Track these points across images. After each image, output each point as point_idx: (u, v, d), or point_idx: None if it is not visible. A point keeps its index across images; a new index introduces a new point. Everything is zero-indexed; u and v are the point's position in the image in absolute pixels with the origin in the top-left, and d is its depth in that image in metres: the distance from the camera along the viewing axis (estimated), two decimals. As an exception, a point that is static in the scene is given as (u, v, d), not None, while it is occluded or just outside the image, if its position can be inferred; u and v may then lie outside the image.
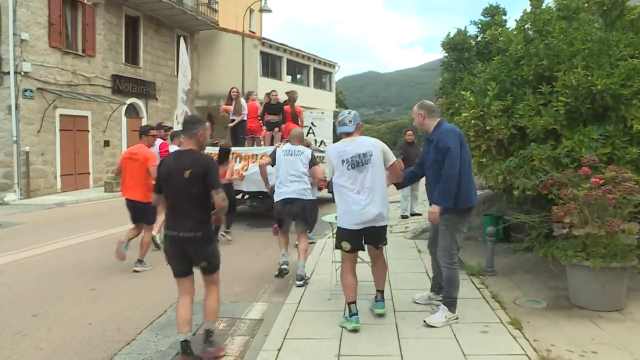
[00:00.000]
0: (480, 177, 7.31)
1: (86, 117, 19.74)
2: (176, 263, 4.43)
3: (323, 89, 35.94)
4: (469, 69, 7.89)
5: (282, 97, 14.08)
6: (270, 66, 29.45)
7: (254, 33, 31.05)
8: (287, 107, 13.59)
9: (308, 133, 15.36)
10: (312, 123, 16.40)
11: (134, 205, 7.88)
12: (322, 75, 36.20)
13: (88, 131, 19.90)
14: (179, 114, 13.53)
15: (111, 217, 13.02)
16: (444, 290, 5.10)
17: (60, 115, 18.39)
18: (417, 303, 5.60)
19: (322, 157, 9.86)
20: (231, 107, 13.23)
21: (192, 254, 4.38)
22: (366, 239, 5.07)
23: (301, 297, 6.05)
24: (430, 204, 4.98)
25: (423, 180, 5.55)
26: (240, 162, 11.56)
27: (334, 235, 5.23)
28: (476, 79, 7.21)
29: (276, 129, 13.05)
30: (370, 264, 5.43)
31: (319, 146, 15.02)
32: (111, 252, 7.96)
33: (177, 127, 13.46)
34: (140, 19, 23.07)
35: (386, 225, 5.10)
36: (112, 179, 19.24)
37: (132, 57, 22.80)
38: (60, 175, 18.53)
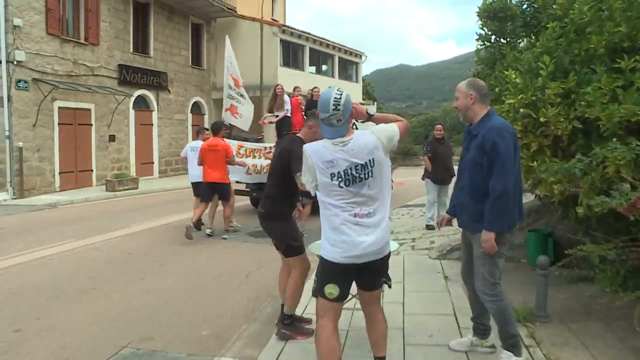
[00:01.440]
0: (526, 183, 5.58)
1: (89, 110, 18.35)
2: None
3: (349, 81, 34.10)
4: (513, 44, 6.08)
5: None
6: (291, 56, 27.73)
7: (276, 21, 29.38)
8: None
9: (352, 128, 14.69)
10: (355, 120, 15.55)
11: (214, 187, 9.81)
12: (347, 66, 34.35)
13: (91, 125, 18.51)
14: (224, 109, 13.62)
15: (98, 222, 11.61)
16: (499, 331, 3.89)
17: (59, 108, 17.02)
18: (453, 350, 4.26)
19: None
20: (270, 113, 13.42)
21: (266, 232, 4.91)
22: (362, 278, 3.45)
23: (280, 351, 4.40)
24: (454, 214, 4.13)
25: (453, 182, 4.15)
26: (252, 155, 11.92)
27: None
28: (524, 56, 5.42)
29: None
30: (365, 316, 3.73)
31: None
32: (74, 269, 6.56)
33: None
34: (150, 5, 21.61)
35: (390, 254, 3.47)
36: (115, 177, 17.84)
37: (141, 45, 21.36)
38: (59, 173, 17.18)
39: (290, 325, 4.69)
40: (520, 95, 4.84)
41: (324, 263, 3.34)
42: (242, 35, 25.98)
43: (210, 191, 9.84)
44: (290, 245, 4.64)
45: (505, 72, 5.32)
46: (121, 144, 20.01)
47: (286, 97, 13.37)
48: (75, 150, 17.78)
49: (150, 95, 21.62)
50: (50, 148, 16.83)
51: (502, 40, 6.37)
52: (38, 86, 16.13)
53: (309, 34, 28.78)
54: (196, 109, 25.29)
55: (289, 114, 13.16)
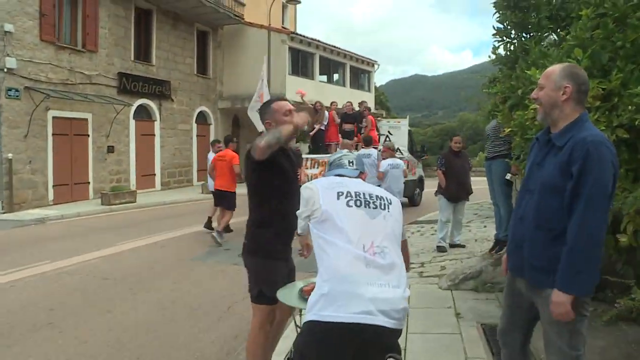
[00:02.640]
0: None
1: (86, 119, 17.57)
2: None
3: (361, 90, 33.13)
4: (538, 38, 5.08)
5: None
6: (300, 64, 26.85)
7: (286, 28, 28.56)
8: (371, 117, 15.44)
9: (385, 140, 16.02)
10: (388, 132, 17.10)
11: (222, 193, 10.74)
12: (359, 75, 33.40)
13: (88, 135, 17.71)
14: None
15: (82, 241, 10.75)
16: None
17: (54, 117, 16.26)
18: None
19: (396, 164, 10.86)
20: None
21: None
22: (362, 356, 2.37)
23: None
24: (513, 262, 2.90)
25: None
26: (317, 167, 13.33)
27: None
28: (552, 51, 4.43)
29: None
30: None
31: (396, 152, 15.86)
32: (34, 299, 6.07)
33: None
34: (153, 12, 20.86)
35: (401, 331, 2.43)
36: (111, 189, 17.01)
37: (143, 53, 20.59)
38: (53, 186, 16.38)
39: None
40: (550, 98, 3.84)
41: (312, 323, 2.33)
42: (250, 43, 25.21)
43: (219, 198, 10.93)
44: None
45: (528, 71, 4.34)
46: (120, 155, 19.20)
47: (326, 114, 14.80)
48: (70, 162, 16.99)
49: (152, 104, 20.85)
50: (44, 160, 16.05)
51: (524, 35, 5.37)
52: (30, 95, 15.38)
53: (318, 41, 27.91)
54: (202, 118, 24.48)
55: (323, 127, 14.60)
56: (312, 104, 15.73)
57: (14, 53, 14.94)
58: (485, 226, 11.48)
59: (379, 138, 16.04)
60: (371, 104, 32.29)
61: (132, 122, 19.87)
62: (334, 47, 29.43)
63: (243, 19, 25.14)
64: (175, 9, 21.69)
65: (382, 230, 2.48)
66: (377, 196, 2.60)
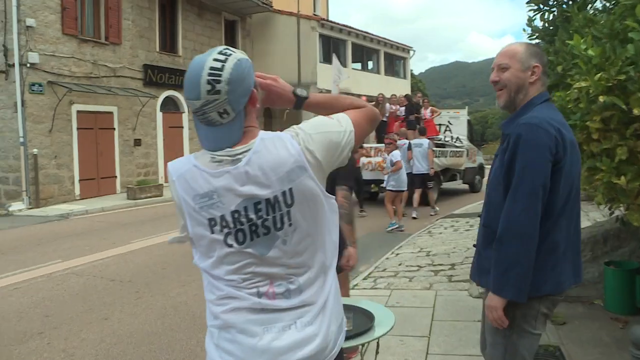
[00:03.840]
0: (604, 204, 3.93)
1: (111, 113, 17.29)
2: None
3: (396, 77, 32.25)
4: (582, 3, 4.30)
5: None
6: (332, 51, 26.13)
7: (317, 16, 27.85)
8: (433, 109, 16.55)
9: (445, 130, 16.99)
10: (448, 121, 17.35)
11: None
12: (394, 61, 32.46)
13: (114, 129, 17.43)
14: None
15: (100, 237, 10.41)
16: None
17: (78, 111, 16.01)
18: None
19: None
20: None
21: None
22: None
23: None
24: (478, 275, 2.50)
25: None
26: (380, 155, 13.63)
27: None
28: (600, 17, 3.69)
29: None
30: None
31: (455, 142, 16.48)
32: (33, 303, 5.07)
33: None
34: (178, 1, 20.37)
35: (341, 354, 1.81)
36: (137, 183, 16.70)
37: (169, 44, 20.19)
38: (79, 181, 16.17)
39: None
40: (599, 74, 3.12)
41: None
42: (279, 31, 24.66)
43: None
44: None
45: (570, 42, 3.60)
46: (148, 148, 18.91)
47: (388, 106, 15.43)
48: (96, 156, 16.75)
49: (179, 96, 20.45)
50: (69, 154, 15.84)
51: (564, 0, 4.58)
52: (54, 89, 15.15)
53: (350, 27, 27.14)
54: (231, 110, 24.00)
55: (385, 119, 15.11)
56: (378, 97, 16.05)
57: (36, 48, 14.72)
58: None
59: (440, 128, 16.90)
60: (407, 91, 31.37)
61: (159, 115, 19.53)
62: (367, 33, 28.61)
63: (272, 6, 24.54)
64: (201, -3, 21.20)
65: (283, 263, 1.68)
66: (266, 203, 1.62)
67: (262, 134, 1.66)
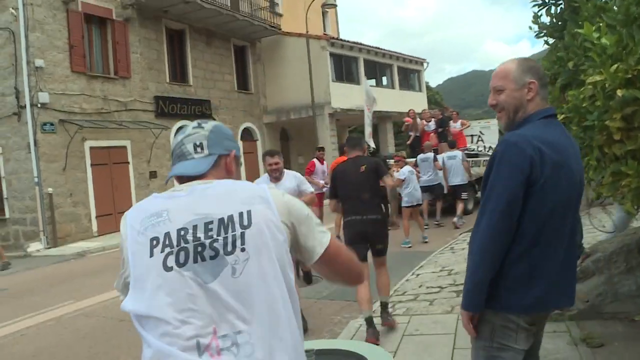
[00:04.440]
0: (634, 212, 3.55)
1: (124, 147, 17.27)
2: (358, 248, 4.80)
3: (411, 90, 31.88)
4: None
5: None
6: (344, 69, 25.93)
7: (327, 35, 27.69)
8: (463, 121, 16.85)
9: (478, 140, 17.33)
10: (480, 131, 17.51)
11: None
12: (408, 75, 32.12)
13: (128, 163, 17.40)
14: (367, 134, 16.46)
15: (114, 275, 10.12)
16: None
17: (91, 148, 16.01)
18: None
19: (453, 156, 12.49)
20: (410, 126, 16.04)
21: (373, 236, 5.14)
22: None
23: None
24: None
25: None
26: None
27: None
28: (612, 3, 3.37)
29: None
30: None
31: (487, 151, 16.42)
32: (36, 351, 4.81)
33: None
34: (185, 31, 20.45)
35: None
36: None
37: (179, 74, 20.23)
38: (96, 217, 16.10)
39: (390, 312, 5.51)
40: (615, 66, 2.80)
41: None
42: (290, 53, 24.54)
43: None
44: (386, 246, 5.30)
45: (581, 31, 3.27)
46: (164, 180, 18.82)
47: (419, 121, 15.95)
48: (112, 191, 16.68)
49: (193, 125, 20.40)
50: (84, 191, 15.80)
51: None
52: (65, 128, 15.19)
53: (361, 44, 26.94)
54: (247, 135, 23.93)
55: (418, 134, 15.79)
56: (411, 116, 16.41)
57: (46, 87, 14.80)
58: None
59: (472, 138, 17.38)
60: (424, 104, 31.03)
61: (174, 145, 19.44)
62: (378, 48, 28.39)
63: (280, 29, 24.51)
64: (208, 25, 21.21)
65: (232, 299, 1.42)
66: (220, 223, 1.47)
67: (229, 181, 1.65)
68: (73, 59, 15.55)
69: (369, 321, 4.92)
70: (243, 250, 1.44)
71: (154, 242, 1.45)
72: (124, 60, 17.33)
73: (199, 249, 1.43)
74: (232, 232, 1.45)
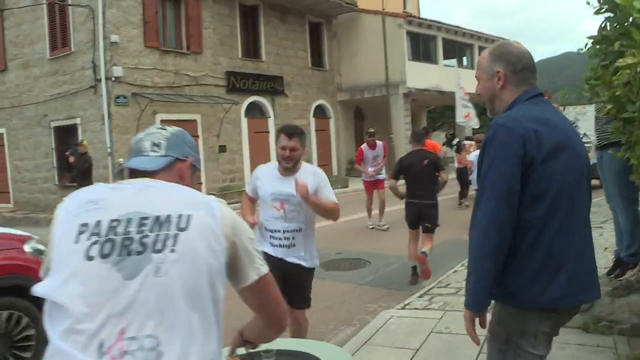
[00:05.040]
0: None
1: (194, 121, 17.70)
2: (412, 221, 6.74)
3: (493, 71, 30.56)
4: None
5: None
6: (421, 48, 25.24)
7: (407, 13, 27.01)
8: (555, 105, 17.01)
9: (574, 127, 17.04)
10: (575, 118, 17.16)
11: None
12: (490, 55, 30.76)
13: (198, 136, 17.83)
14: (461, 116, 16.09)
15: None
16: None
17: (162, 121, 16.49)
18: None
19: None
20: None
21: (425, 216, 6.59)
22: None
23: None
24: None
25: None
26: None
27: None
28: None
29: None
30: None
31: (582, 138, 16.26)
32: None
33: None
34: (259, 7, 20.57)
35: None
36: (219, 189, 16.93)
37: (252, 50, 20.42)
38: (165, 188, 16.65)
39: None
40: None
41: None
42: (366, 30, 24.16)
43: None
44: (434, 224, 6.67)
45: (620, 1, 2.95)
46: (233, 154, 19.19)
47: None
48: (181, 164, 17.18)
49: (264, 101, 20.63)
50: (154, 163, 16.34)
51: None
52: (137, 101, 15.77)
53: (440, 23, 26.09)
54: (320, 112, 23.89)
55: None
56: None
57: (120, 62, 15.40)
58: (601, 234, 8.29)
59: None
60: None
61: (244, 120, 19.79)
62: (459, 27, 27.44)
63: (356, 6, 24.14)
64: (283, 2, 21.24)
65: (149, 299, 1.32)
66: (155, 221, 1.41)
67: (176, 186, 1.60)
68: (147, 35, 16.06)
69: (414, 269, 6.77)
70: (173, 251, 1.37)
71: (82, 228, 1.40)
72: (196, 36, 17.69)
73: (127, 242, 1.38)
74: (166, 231, 1.40)
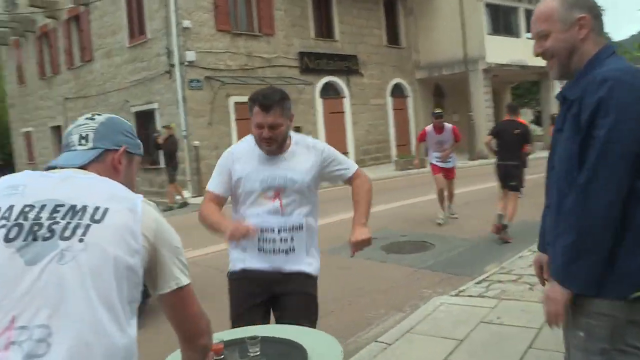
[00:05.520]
0: None
1: (268, 102, 17.84)
2: (501, 180, 7.73)
3: (584, 42, 28.70)
4: None
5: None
6: (501, 21, 24.05)
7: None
8: None
9: None
10: None
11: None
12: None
13: (271, 118, 18.00)
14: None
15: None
16: None
17: (235, 103, 16.77)
18: None
19: None
20: None
21: (511, 175, 7.53)
22: None
23: None
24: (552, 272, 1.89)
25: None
26: None
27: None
28: None
29: None
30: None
31: None
32: None
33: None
34: (331, -14, 20.39)
35: None
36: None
37: (325, 30, 20.26)
38: (241, 169, 16.99)
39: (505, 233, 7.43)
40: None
41: None
42: (442, 4, 23.30)
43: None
44: (519, 184, 7.62)
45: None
46: (308, 135, 19.18)
47: None
48: (255, 146, 17.43)
49: (339, 81, 20.46)
50: (228, 145, 16.52)
51: None
52: (210, 84, 16.11)
53: (522, -8, 24.72)
54: (398, 91, 23.43)
55: None
56: None
57: (193, 46, 15.75)
58: None
59: None
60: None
61: (319, 101, 19.74)
62: (544, -4, 25.82)
63: (432, -20, 23.34)
64: (355, -21, 20.89)
65: (48, 287, 1.24)
66: (71, 209, 1.35)
67: (113, 181, 1.53)
68: (218, 18, 16.32)
69: (499, 217, 7.50)
70: (81, 240, 1.31)
71: None
72: (268, 18, 17.78)
73: (35, 228, 1.32)
74: (79, 220, 1.34)
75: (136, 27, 17.34)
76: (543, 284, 2.04)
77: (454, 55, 22.41)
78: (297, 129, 17.97)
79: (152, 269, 1.45)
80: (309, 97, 19.16)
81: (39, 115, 23.76)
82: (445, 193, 9.29)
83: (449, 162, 9.14)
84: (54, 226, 1.31)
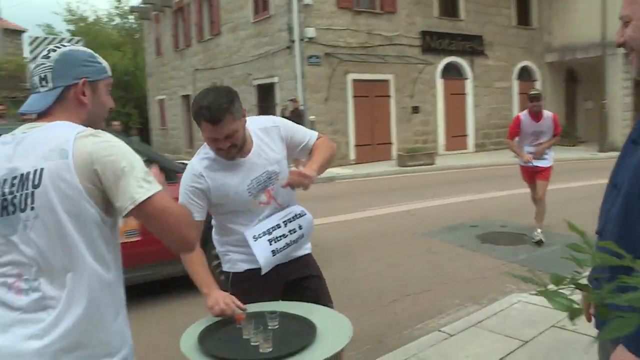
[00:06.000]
0: None
1: (387, 81, 17.69)
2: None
3: None
4: None
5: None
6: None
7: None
8: None
9: None
10: None
11: None
12: None
13: (389, 97, 17.81)
14: None
15: (342, 202, 10.71)
16: None
17: (353, 80, 16.80)
18: None
19: None
20: None
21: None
22: None
23: None
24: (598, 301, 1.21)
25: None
26: None
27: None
28: None
29: None
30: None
31: None
32: None
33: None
34: (458, -37, 19.61)
35: None
36: (407, 151, 16.75)
37: (450, 9, 19.59)
38: (355, 146, 17.12)
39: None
40: None
41: None
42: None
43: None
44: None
45: None
46: (427, 116, 18.85)
47: None
48: (372, 123, 17.41)
49: (462, 62, 19.79)
50: (344, 121, 16.82)
51: None
52: (329, 61, 16.23)
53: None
54: (525, 74, 22.24)
55: None
56: None
57: (313, 23, 15.91)
58: None
59: None
60: None
61: (439, 81, 19.25)
62: None
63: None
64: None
65: (30, 250, 1.49)
66: (22, 179, 1.48)
67: (62, 124, 1.55)
68: (339, -5, 16.37)
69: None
70: (32, 209, 1.47)
71: None
72: (391, -5, 17.52)
73: (5, 203, 1.49)
74: (26, 190, 1.47)
75: (260, 3, 17.85)
76: (589, 320, 1.63)
77: (591, 37, 20.76)
78: (415, 109, 17.73)
79: (107, 196, 1.49)
80: (429, 77, 18.74)
81: (172, 84, 25.28)
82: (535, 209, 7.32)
83: (545, 159, 7.09)
84: (14, 200, 1.47)
